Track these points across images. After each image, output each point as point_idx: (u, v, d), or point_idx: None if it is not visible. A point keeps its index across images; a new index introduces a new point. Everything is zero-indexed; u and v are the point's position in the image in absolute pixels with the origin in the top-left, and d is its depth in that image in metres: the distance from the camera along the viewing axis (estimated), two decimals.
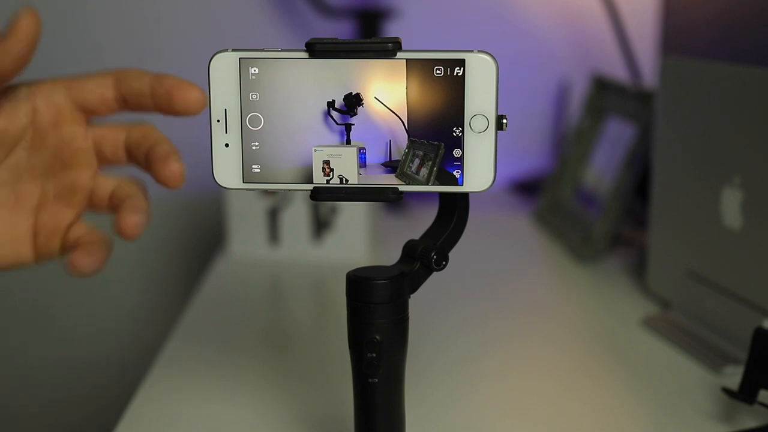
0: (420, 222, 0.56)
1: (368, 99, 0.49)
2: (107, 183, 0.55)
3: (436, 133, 0.49)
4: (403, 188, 0.49)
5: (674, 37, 1.16)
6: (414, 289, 0.52)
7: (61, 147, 0.54)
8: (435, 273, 0.53)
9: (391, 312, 0.51)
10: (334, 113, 0.49)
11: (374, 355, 0.51)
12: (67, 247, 0.53)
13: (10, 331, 1.51)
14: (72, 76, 0.54)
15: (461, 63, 0.48)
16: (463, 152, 0.48)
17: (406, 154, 0.49)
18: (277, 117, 0.49)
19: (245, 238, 1.11)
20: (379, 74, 0.48)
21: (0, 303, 1.52)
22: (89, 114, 0.55)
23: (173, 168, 0.52)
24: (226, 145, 0.49)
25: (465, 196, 0.52)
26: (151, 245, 1.50)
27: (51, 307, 1.52)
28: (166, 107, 0.52)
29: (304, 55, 0.48)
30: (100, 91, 0.53)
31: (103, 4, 1.41)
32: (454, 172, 0.49)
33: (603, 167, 1.19)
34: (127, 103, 0.54)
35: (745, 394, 0.65)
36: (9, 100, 0.52)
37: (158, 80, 0.52)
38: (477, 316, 0.92)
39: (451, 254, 0.52)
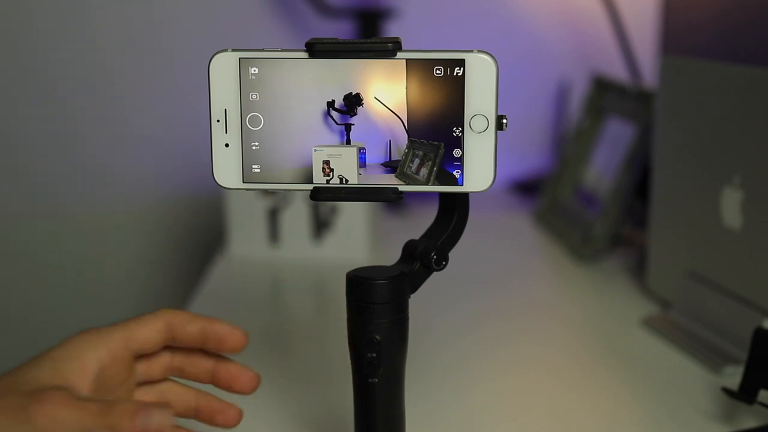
0: (420, 222, 0.56)
1: (368, 99, 0.49)
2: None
3: (436, 133, 0.49)
4: (403, 188, 0.49)
5: (674, 37, 1.16)
6: (414, 289, 0.52)
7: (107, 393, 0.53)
8: (435, 273, 0.53)
9: (391, 312, 0.51)
10: (334, 113, 0.49)
11: (374, 355, 0.51)
12: None
13: (11, 334, 1.51)
14: (125, 325, 0.53)
15: (461, 63, 0.48)
16: (463, 152, 0.48)
17: (406, 154, 0.49)
18: (277, 117, 0.49)
19: (245, 238, 1.11)
20: (379, 74, 0.48)
21: (1, 305, 1.52)
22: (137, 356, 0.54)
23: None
24: (226, 145, 0.49)
25: (465, 196, 0.52)
26: (151, 245, 1.50)
27: (52, 309, 1.52)
28: (216, 349, 0.55)
29: (304, 55, 0.48)
30: (153, 337, 0.53)
31: (103, 4, 1.41)
32: (454, 172, 0.49)
33: (603, 167, 1.19)
34: (174, 342, 0.54)
35: (745, 394, 0.65)
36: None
37: (209, 325, 0.54)
38: (477, 316, 0.92)
39: (451, 254, 0.52)
